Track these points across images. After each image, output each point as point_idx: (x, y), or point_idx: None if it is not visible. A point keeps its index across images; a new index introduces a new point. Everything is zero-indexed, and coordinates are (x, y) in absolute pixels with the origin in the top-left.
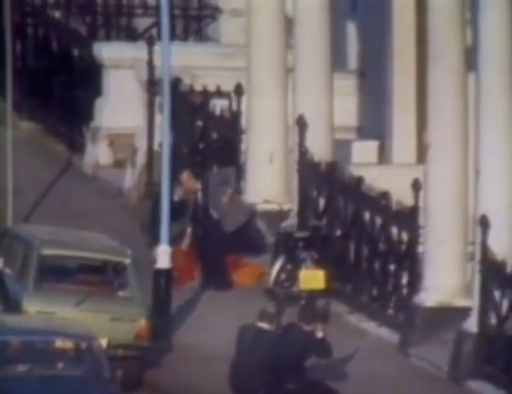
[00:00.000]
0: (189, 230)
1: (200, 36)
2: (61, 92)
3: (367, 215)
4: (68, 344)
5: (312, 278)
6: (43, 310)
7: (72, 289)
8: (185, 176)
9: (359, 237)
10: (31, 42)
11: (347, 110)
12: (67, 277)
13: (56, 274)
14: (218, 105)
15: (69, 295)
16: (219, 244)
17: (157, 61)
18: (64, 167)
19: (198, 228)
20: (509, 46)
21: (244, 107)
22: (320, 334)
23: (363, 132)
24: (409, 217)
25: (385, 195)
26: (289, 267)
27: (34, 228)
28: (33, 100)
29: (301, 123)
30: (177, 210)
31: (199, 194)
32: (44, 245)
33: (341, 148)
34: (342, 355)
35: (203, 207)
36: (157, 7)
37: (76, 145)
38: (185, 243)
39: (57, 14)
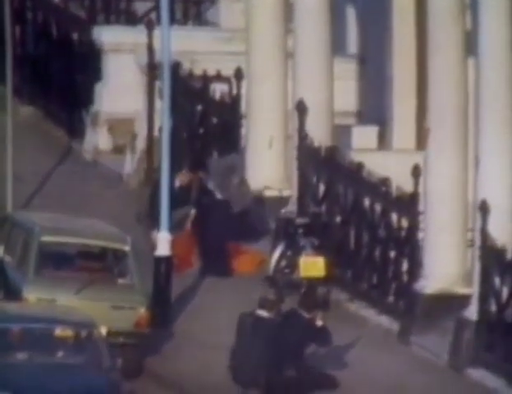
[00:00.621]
0: (192, 211)
1: (200, 20)
2: (61, 77)
3: (367, 201)
4: (68, 332)
5: (312, 265)
6: (43, 297)
7: (72, 276)
8: (182, 175)
9: (359, 224)
10: (31, 27)
11: (347, 95)
12: (67, 264)
13: (56, 261)
14: (218, 89)
15: (69, 283)
16: (221, 226)
17: (156, 46)
18: (64, 152)
19: (201, 210)
20: (509, 33)
21: (244, 92)
22: (320, 322)
23: (363, 117)
24: (409, 204)
25: (385, 181)
26: (289, 253)
27: (34, 215)
28: (32, 85)
29: (301, 108)
30: (178, 198)
31: (203, 180)
32: (44, 231)
33: (341, 133)
34: (342, 343)
35: (207, 191)
36: None
37: (76, 130)
38: (188, 224)
39: None
